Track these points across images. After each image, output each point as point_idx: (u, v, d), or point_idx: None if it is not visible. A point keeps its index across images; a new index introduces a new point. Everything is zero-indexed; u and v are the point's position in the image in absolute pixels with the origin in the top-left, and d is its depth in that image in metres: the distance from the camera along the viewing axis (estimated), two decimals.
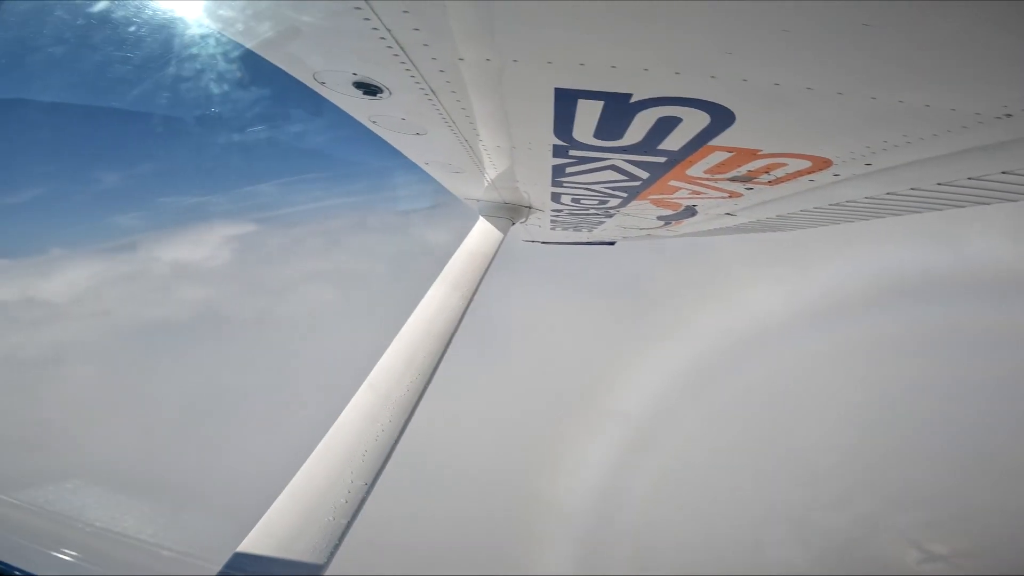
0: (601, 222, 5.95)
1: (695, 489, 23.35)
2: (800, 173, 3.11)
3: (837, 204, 3.81)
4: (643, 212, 5.07)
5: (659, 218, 5.37)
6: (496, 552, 21.05)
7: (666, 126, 2.49)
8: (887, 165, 2.73)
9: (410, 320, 4.09)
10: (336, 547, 2.40)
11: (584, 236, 7.48)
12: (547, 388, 27.33)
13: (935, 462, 21.37)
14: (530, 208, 5.43)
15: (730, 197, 4.00)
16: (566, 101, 2.30)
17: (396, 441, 3.10)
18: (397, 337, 3.90)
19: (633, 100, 2.22)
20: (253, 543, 2.32)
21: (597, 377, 27.54)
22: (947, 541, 19.93)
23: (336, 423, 3.04)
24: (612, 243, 8.44)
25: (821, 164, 2.87)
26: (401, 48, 1.99)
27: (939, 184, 2.83)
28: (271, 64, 2.31)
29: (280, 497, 2.56)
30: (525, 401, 26.38)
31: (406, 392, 3.45)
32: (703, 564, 20.19)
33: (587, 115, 2.45)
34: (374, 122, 3.00)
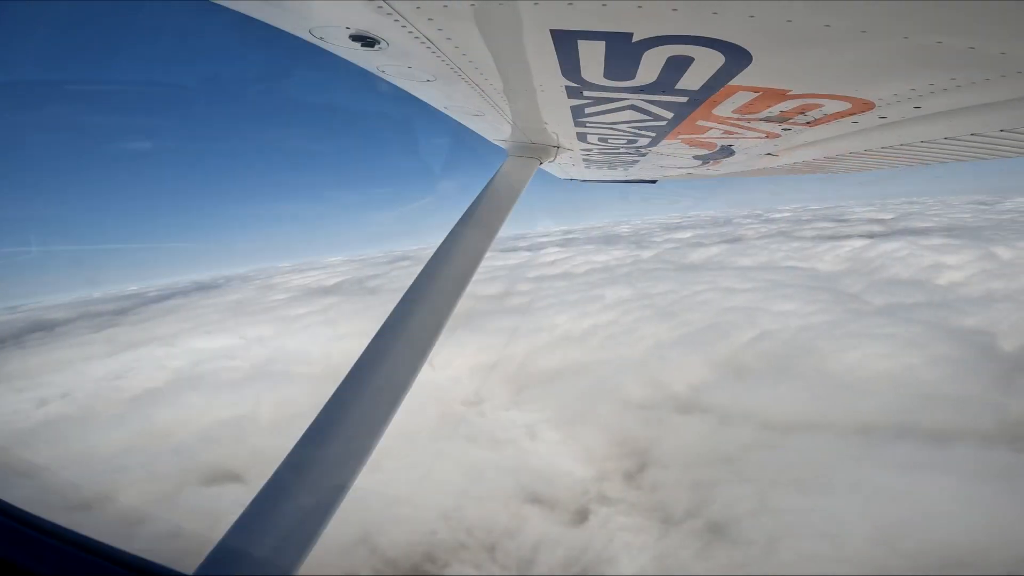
0: (635, 161, 5.66)
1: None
2: (840, 115, 2.80)
3: (890, 147, 3.44)
4: (677, 152, 4.77)
5: (695, 157, 5.04)
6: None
7: (678, 65, 2.28)
8: (940, 109, 2.40)
9: (431, 259, 4.16)
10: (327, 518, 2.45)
11: (621, 175, 7.15)
12: None
13: None
14: (558, 148, 5.22)
15: (767, 137, 3.68)
16: (565, 42, 2.14)
17: (410, 383, 3.26)
18: (416, 277, 3.99)
19: (636, 40, 2.03)
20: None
21: None
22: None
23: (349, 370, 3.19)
24: (653, 182, 8.05)
25: (862, 106, 2.57)
26: None
27: (1002, 131, 2.48)
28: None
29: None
30: None
31: (421, 332, 3.59)
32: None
33: (591, 56, 2.28)
34: (382, 72, 2.91)
